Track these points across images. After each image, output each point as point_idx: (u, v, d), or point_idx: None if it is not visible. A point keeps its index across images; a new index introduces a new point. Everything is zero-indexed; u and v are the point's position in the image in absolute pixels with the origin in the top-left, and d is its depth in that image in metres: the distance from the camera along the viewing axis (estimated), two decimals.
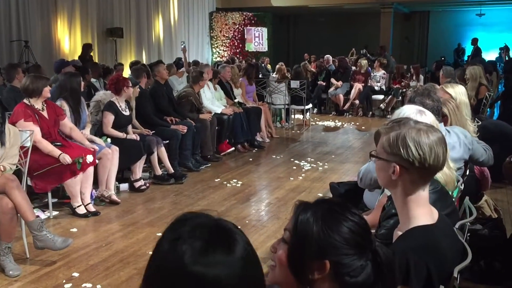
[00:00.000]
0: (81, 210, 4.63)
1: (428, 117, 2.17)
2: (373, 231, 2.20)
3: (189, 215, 1.01)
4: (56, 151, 4.42)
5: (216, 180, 5.99)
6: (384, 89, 11.48)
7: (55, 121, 4.63)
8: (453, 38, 19.56)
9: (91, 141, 4.95)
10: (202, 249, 0.91)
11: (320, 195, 5.38)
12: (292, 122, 10.11)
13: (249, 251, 0.96)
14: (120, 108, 5.33)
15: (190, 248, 0.91)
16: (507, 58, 12.50)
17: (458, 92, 3.21)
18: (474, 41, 16.10)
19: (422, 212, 1.51)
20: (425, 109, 2.29)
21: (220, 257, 0.91)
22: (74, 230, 4.34)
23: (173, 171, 5.85)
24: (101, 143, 5.01)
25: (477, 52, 15.28)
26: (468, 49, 18.42)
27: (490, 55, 16.12)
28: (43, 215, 4.56)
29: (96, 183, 5.00)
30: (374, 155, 1.63)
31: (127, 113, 5.44)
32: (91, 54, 10.84)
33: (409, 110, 2.23)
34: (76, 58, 10.71)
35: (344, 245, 1.14)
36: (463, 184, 2.61)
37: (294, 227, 1.19)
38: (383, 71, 11.67)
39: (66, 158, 4.39)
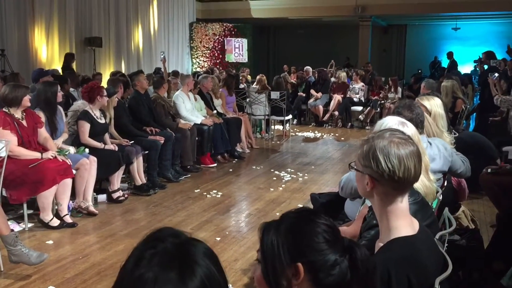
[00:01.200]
0: (55, 222, 4.53)
1: (410, 129, 2.19)
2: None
3: (162, 233, 0.98)
4: (36, 153, 4.38)
5: (196, 191, 5.95)
6: (363, 101, 11.62)
7: (34, 130, 4.56)
8: (429, 51, 19.96)
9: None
10: (153, 279, 0.90)
11: (300, 205, 5.38)
12: (272, 133, 10.13)
13: (207, 285, 0.92)
14: (94, 116, 5.27)
15: (146, 273, 0.90)
16: (483, 70, 12.76)
17: (434, 104, 3.26)
18: (450, 55, 16.44)
19: (402, 223, 1.52)
20: (407, 121, 2.32)
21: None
22: (50, 242, 4.25)
23: (140, 182, 5.76)
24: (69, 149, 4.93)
25: (453, 65, 15.59)
26: (444, 62, 18.80)
27: (465, 68, 16.47)
28: (18, 227, 4.45)
29: (73, 194, 4.91)
30: (352, 166, 1.65)
31: (102, 121, 5.38)
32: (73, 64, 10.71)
33: (391, 122, 2.25)
34: (54, 67, 10.56)
35: (312, 243, 1.15)
36: (441, 195, 2.64)
37: (261, 248, 1.21)
38: (362, 83, 11.83)
39: (49, 154, 4.37)
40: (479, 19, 18.24)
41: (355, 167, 1.61)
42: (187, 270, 0.91)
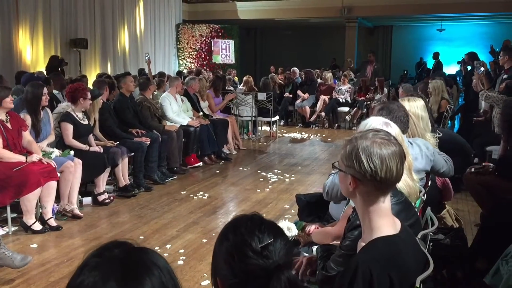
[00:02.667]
0: (37, 226, 4.48)
1: (394, 129, 2.20)
2: (338, 242, 2.21)
3: (112, 244, 0.97)
4: (20, 156, 4.35)
5: (182, 192, 5.92)
6: (350, 102, 11.68)
7: (19, 132, 4.51)
8: (415, 52, 20.13)
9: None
10: (92, 285, 0.88)
11: (287, 206, 5.39)
12: (259, 134, 10.14)
13: None
14: (77, 118, 5.22)
15: (86, 280, 0.89)
16: (467, 71, 12.90)
17: (413, 106, 3.28)
18: (436, 55, 16.58)
19: (384, 222, 1.53)
20: (391, 121, 2.33)
21: None
22: (34, 246, 4.20)
23: (124, 183, 5.72)
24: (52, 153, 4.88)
25: (438, 65, 15.72)
26: (430, 63, 18.97)
27: (450, 69, 16.63)
28: (1, 231, 4.40)
29: (58, 197, 4.86)
30: (335, 166, 1.65)
31: (85, 122, 5.33)
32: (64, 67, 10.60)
33: (375, 122, 2.26)
34: (39, 69, 10.46)
35: (220, 264, 1.25)
36: (425, 195, 2.66)
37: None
38: (349, 85, 11.90)
39: (34, 157, 4.35)
40: (463, 20, 18.45)
41: (338, 167, 1.61)
42: (131, 278, 0.88)
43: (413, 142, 2.90)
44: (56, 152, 4.73)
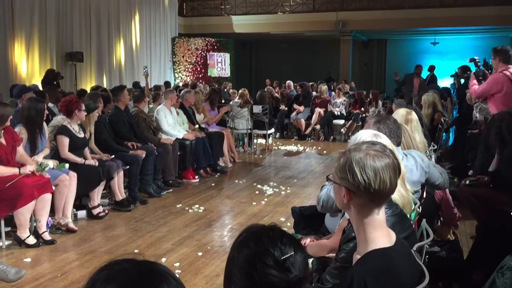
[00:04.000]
0: (31, 240, 4.44)
1: (383, 140, 2.21)
2: (334, 254, 2.21)
3: (116, 259, 0.94)
4: (13, 169, 4.33)
5: (177, 205, 5.90)
6: (345, 114, 11.72)
7: (13, 147, 4.49)
8: (409, 65, 20.23)
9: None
10: None
11: (283, 219, 5.37)
12: (254, 146, 10.14)
13: None
14: (73, 131, 5.21)
15: None
16: (460, 84, 13.00)
17: (409, 119, 3.32)
18: (431, 68, 16.69)
19: (379, 235, 1.53)
20: (380, 133, 2.34)
21: None
22: (28, 260, 4.16)
23: (121, 198, 5.71)
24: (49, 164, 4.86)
25: (432, 79, 15.83)
26: (424, 76, 19.07)
27: (444, 82, 16.76)
28: None
29: (52, 211, 4.83)
30: (330, 178, 1.66)
31: (81, 135, 5.32)
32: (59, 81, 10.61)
33: (364, 135, 2.28)
34: (34, 82, 10.47)
35: (237, 273, 1.22)
36: (420, 207, 2.66)
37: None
38: (344, 98, 11.96)
39: (27, 169, 4.34)
40: (457, 33, 18.66)
41: (332, 179, 1.62)
42: (151, 286, 0.86)
43: (408, 154, 2.91)
44: (50, 165, 4.69)
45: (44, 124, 5.14)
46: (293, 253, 1.19)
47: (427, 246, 2.44)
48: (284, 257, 1.17)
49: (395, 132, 2.78)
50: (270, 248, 1.18)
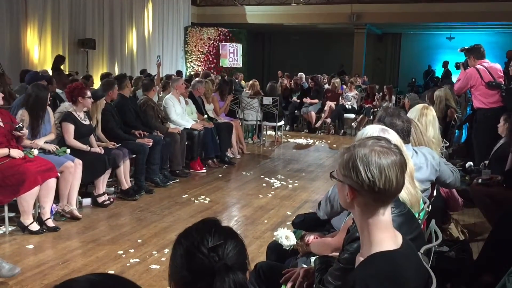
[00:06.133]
0: (34, 227, 4.41)
1: (392, 135, 2.12)
2: (338, 254, 2.12)
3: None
4: (4, 150, 4.27)
5: (183, 196, 5.85)
6: (356, 108, 11.58)
7: (11, 128, 4.44)
8: (423, 60, 20.00)
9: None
10: None
11: (289, 213, 5.29)
12: (264, 138, 10.05)
13: None
14: (78, 118, 5.16)
15: None
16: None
17: (424, 113, 3.22)
18: (445, 64, 16.46)
19: (384, 236, 1.44)
20: (388, 128, 2.25)
21: None
22: (30, 246, 4.13)
23: (127, 186, 5.65)
24: (47, 146, 4.82)
25: (447, 74, 15.60)
26: (438, 71, 18.82)
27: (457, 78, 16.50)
28: None
29: (57, 197, 4.79)
30: (333, 175, 1.57)
31: (86, 122, 5.27)
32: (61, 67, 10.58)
33: (372, 130, 2.18)
34: (46, 68, 10.46)
35: (177, 269, 1.24)
36: (430, 206, 2.56)
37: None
38: (356, 92, 11.81)
39: (15, 153, 4.29)
40: (473, 29, 18.32)
41: (336, 176, 1.53)
42: None
43: (418, 151, 2.80)
44: (35, 152, 4.60)
45: (50, 109, 5.09)
46: (222, 241, 1.23)
47: (436, 246, 2.34)
48: (211, 245, 1.21)
49: (405, 128, 2.68)
50: (198, 239, 1.23)
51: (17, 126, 4.44)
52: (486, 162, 5.13)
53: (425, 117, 3.28)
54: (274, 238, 2.61)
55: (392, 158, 1.43)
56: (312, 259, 2.19)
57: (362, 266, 1.40)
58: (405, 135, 2.64)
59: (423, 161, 2.77)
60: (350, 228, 1.79)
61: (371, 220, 1.44)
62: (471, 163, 5.49)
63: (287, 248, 2.49)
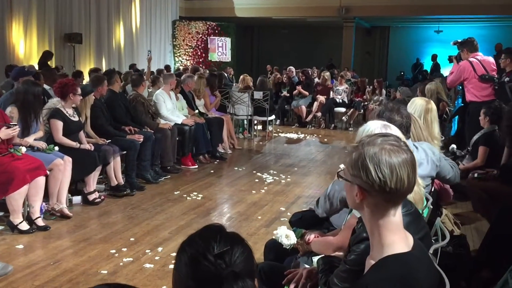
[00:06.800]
0: (24, 226, 4.31)
1: (393, 131, 2.07)
2: (341, 253, 2.07)
3: None
4: None
5: (175, 192, 5.77)
6: (347, 102, 11.56)
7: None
8: (412, 53, 20.04)
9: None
10: None
11: (283, 209, 5.25)
12: (254, 133, 9.99)
13: None
14: (67, 114, 5.05)
15: None
16: None
17: (425, 108, 3.17)
18: (434, 57, 16.51)
19: (396, 238, 1.38)
20: (390, 124, 2.20)
21: None
22: (20, 246, 4.03)
23: (116, 183, 5.56)
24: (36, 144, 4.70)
25: (436, 67, 15.65)
26: (426, 64, 18.87)
27: (446, 71, 16.56)
28: None
29: (46, 196, 4.69)
30: (340, 175, 1.51)
31: (75, 119, 5.16)
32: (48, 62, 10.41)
33: (373, 126, 2.13)
34: (31, 63, 10.27)
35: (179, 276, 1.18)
36: (431, 203, 2.53)
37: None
38: (346, 85, 11.79)
39: (3, 134, 4.20)
40: (461, 22, 18.38)
41: (343, 176, 1.47)
42: None
43: (418, 146, 2.76)
44: (23, 149, 4.50)
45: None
46: (228, 248, 1.17)
47: (433, 241, 2.31)
48: (217, 252, 1.15)
49: (404, 123, 2.63)
50: (203, 247, 1.17)
51: (10, 124, 4.33)
52: (469, 148, 5.20)
53: (430, 113, 3.23)
54: (273, 237, 2.55)
55: (403, 156, 1.37)
56: (314, 259, 2.14)
57: (375, 270, 1.35)
58: (405, 131, 2.59)
59: (423, 156, 2.73)
60: (356, 228, 1.74)
61: (382, 222, 1.39)
62: (454, 146, 5.53)
63: (287, 248, 2.44)
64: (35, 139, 4.77)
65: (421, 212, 2.06)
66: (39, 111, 4.84)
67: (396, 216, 1.40)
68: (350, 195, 1.45)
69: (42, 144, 4.75)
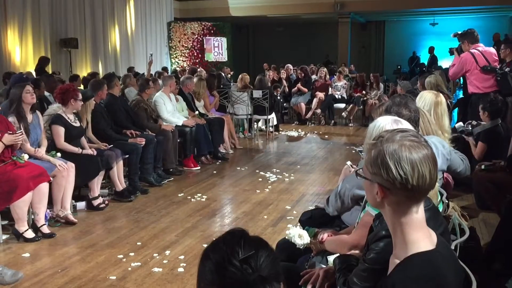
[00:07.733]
0: (30, 234, 4.27)
1: (405, 126, 2.05)
2: (356, 251, 2.05)
3: None
4: None
5: (179, 195, 5.74)
6: (346, 98, 11.53)
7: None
8: (408, 46, 20.03)
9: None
10: None
11: (288, 207, 5.22)
12: (255, 132, 9.97)
13: None
14: (68, 120, 5.01)
15: None
16: None
17: (433, 101, 3.14)
18: (431, 50, 16.49)
19: (420, 236, 1.36)
20: (401, 119, 2.18)
21: None
22: (27, 255, 4.00)
23: (121, 188, 5.53)
24: (54, 162, 4.65)
25: (433, 60, 15.64)
26: (423, 57, 18.86)
27: (444, 63, 16.55)
28: None
29: (50, 203, 4.66)
30: (359, 174, 1.48)
31: (77, 124, 5.12)
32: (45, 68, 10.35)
33: (384, 121, 2.11)
34: (28, 70, 10.22)
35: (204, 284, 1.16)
36: (446, 200, 2.50)
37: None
38: (344, 81, 11.76)
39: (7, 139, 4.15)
40: (456, 14, 18.37)
41: (363, 174, 1.44)
42: None
43: (428, 140, 2.73)
44: (26, 156, 4.46)
45: (39, 113, 4.93)
46: (253, 252, 1.14)
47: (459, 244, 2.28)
48: (242, 257, 1.13)
49: (412, 117, 2.60)
50: (228, 252, 1.14)
51: (17, 132, 4.30)
52: (474, 122, 5.19)
53: (440, 106, 3.20)
54: (286, 237, 2.52)
55: (423, 152, 1.35)
56: (330, 258, 2.12)
57: (400, 269, 1.32)
58: (414, 125, 2.57)
59: (434, 150, 2.70)
60: (373, 225, 1.71)
61: (404, 219, 1.36)
62: (461, 123, 5.52)
63: (301, 247, 2.41)
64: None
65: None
66: (30, 112, 4.75)
67: (419, 213, 1.38)
68: (370, 193, 1.42)
69: (50, 159, 4.69)
